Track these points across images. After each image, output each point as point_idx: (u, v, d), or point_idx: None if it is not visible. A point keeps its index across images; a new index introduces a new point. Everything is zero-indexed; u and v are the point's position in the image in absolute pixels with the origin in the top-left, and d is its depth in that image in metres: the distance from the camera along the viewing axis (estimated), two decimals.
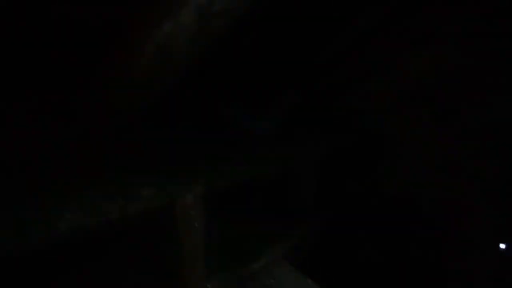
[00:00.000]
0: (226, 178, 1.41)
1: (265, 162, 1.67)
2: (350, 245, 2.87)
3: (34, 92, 1.31)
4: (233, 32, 1.14)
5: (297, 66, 2.07)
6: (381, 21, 2.20)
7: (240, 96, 2.21)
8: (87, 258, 1.41)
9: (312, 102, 2.65)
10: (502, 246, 2.41)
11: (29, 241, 0.93)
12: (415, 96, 2.59)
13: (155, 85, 1.29)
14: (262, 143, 2.02)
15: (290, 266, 1.60)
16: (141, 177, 1.26)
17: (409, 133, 2.66)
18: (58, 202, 1.03)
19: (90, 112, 1.39)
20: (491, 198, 2.44)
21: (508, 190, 2.39)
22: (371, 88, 2.73)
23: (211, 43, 1.13)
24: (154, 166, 1.42)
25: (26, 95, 1.31)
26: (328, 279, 2.57)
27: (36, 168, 1.26)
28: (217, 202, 1.74)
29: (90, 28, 1.16)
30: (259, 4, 1.35)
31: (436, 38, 2.45)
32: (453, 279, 2.61)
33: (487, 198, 2.45)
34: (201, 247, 1.33)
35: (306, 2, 1.88)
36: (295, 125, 2.38)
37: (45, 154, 1.32)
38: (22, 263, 1.31)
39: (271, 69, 1.97)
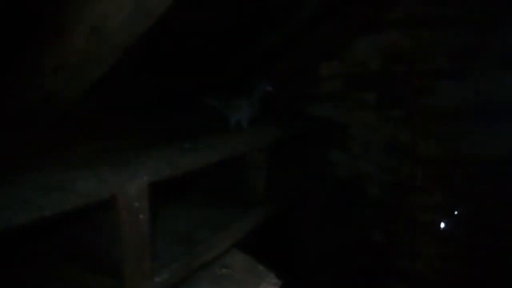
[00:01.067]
0: (173, 167, 1.35)
1: (215, 150, 1.62)
2: (302, 231, 2.92)
3: None
4: (173, 10, 1.07)
5: (242, 50, 2.02)
6: (325, 7, 2.20)
7: (196, 81, 2.14)
8: (20, 257, 1.29)
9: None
10: (442, 225, 2.54)
11: None
12: (363, 81, 2.64)
13: (92, 69, 1.20)
14: (214, 131, 1.97)
15: (243, 255, 1.57)
16: (80, 169, 1.16)
17: (358, 118, 2.71)
18: None
19: (20, 100, 1.27)
20: (433, 179, 2.57)
21: (449, 171, 2.52)
22: (320, 74, 2.75)
23: (150, 22, 1.05)
24: (95, 156, 1.33)
25: None
26: (280, 265, 2.60)
27: None
28: (165, 192, 1.67)
29: (14, 10, 1.04)
30: None
31: (381, 24, 2.50)
32: (400, 257, 2.73)
33: (430, 179, 2.57)
34: (147, 241, 1.26)
35: None
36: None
37: None
38: None
39: (217, 52, 1.91)
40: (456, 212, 2.50)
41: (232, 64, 2.10)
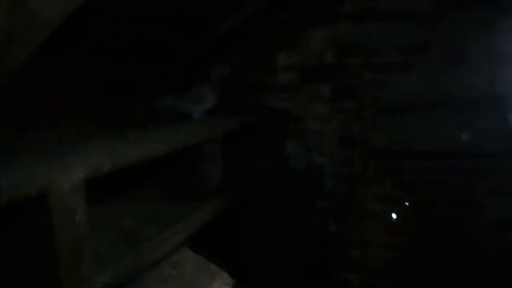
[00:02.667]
0: (115, 159, 1.23)
1: (163, 142, 1.51)
2: (257, 224, 2.88)
3: None
4: None
5: (193, 37, 1.92)
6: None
7: (143, 69, 2.00)
8: None
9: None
10: (392, 215, 2.61)
11: None
12: (318, 73, 2.63)
13: (17, 49, 1.05)
14: (166, 121, 1.86)
15: (193, 253, 1.49)
16: (3, 161, 1.02)
17: (312, 110, 2.70)
18: None
19: None
20: (384, 170, 2.62)
21: (398, 163, 2.58)
22: (276, 64, 2.71)
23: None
24: (23, 147, 1.18)
25: None
26: (234, 259, 2.54)
27: None
28: (106, 188, 1.55)
29: None
30: None
31: (334, 17, 2.49)
32: (351, 246, 2.77)
33: (380, 171, 2.62)
34: (85, 241, 1.14)
35: None
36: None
37: None
38: None
39: (165, 39, 1.79)
40: (406, 203, 2.57)
41: (183, 53, 1.99)
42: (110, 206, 1.79)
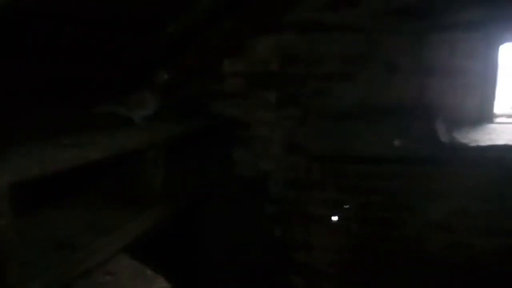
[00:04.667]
0: (45, 164, 1.20)
1: (99, 147, 1.49)
2: (205, 230, 2.88)
3: None
4: None
5: (137, 41, 1.91)
6: (227, 2, 2.19)
7: (84, 73, 1.95)
8: None
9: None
10: (335, 218, 2.70)
11: None
12: (264, 81, 2.68)
13: None
14: (103, 127, 1.82)
15: (130, 260, 1.47)
16: None
17: (259, 117, 2.74)
18: None
19: None
20: (328, 175, 2.71)
21: (341, 168, 2.68)
22: (223, 71, 2.73)
23: None
24: None
25: None
26: (177, 268, 2.52)
27: None
28: (37, 193, 1.50)
29: None
30: None
31: (279, 26, 2.56)
32: (297, 250, 2.83)
33: (324, 176, 2.71)
34: (12, 250, 1.10)
35: None
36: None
37: None
38: None
39: (107, 43, 1.77)
40: (347, 206, 2.67)
41: (125, 57, 1.96)
42: (47, 213, 1.73)
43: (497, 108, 2.45)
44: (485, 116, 2.31)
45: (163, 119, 2.16)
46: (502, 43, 2.24)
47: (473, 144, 2.10)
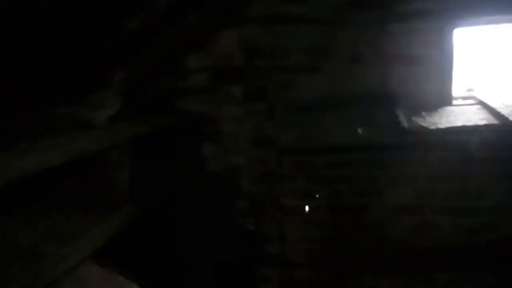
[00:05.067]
0: (1, 172, 1.14)
1: (59, 150, 1.43)
2: (177, 229, 2.85)
3: None
4: None
5: (96, 39, 1.84)
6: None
7: (38, 75, 1.86)
8: None
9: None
10: (306, 208, 2.73)
11: None
12: (229, 75, 2.66)
13: None
14: (62, 130, 1.75)
15: (98, 266, 1.43)
16: None
17: (226, 112, 2.72)
18: None
19: None
20: (297, 167, 2.74)
21: (310, 159, 2.71)
22: (188, 66, 2.69)
23: None
24: None
25: None
26: (150, 269, 2.48)
27: None
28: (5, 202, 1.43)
29: None
30: None
31: (242, 19, 2.54)
32: (270, 242, 2.84)
33: (294, 167, 2.73)
34: None
35: None
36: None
37: None
38: None
39: (60, 42, 1.69)
40: (317, 196, 2.70)
41: (83, 57, 1.89)
42: (8, 222, 1.65)
43: (455, 91, 2.56)
44: (443, 100, 2.41)
45: (127, 119, 2.10)
46: (455, 28, 2.33)
47: (433, 127, 2.19)
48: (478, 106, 2.50)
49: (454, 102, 2.53)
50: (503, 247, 2.46)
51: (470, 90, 2.77)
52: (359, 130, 2.45)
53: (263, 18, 2.55)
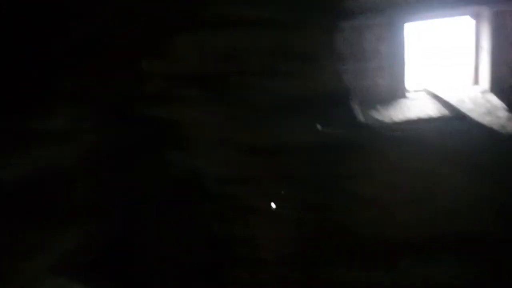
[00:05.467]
0: None
1: (10, 167, 1.38)
2: (144, 237, 2.79)
3: None
4: None
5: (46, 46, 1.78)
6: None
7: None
8: None
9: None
10: (271, 208, 2.73)
11: None
12: (187, 79, 2.63)
13: None
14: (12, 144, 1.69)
15: (60, 279, 1.39)
16: None
17: (187, 116, 2.68)
18: None
19: None
20: (262, 167, 2.74)
21: (273, 159, 2.72)
22: (145, 72, 2.63)
23: None
24: None
25: None
26: (119, 280, 2.43)
27: None
28: None
29: None
30: None
31: (198, 24, 2.52)
32: (241, 245, 2.84)
33: (258, 168, 2.73)
34: None
35: None
36: None
37: None
38: None
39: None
40: (282, 194, 2.72)
41: (31, 66, 1.82)
42: None
43: (408, 85, 2.66)
44: (397, 93, 2.50)
45: (83, 128, 2.05)
46: (405, 23, 2.41)
47: (387, 120, 2.26)
48: (430, 99, 2.60)
49: (408, 95, 2.62)
50: (461, 233, 2.56)
51: (423, 83, 2.89)
52: (318, 128, 2.48)
53: (218, 22, 2.53)
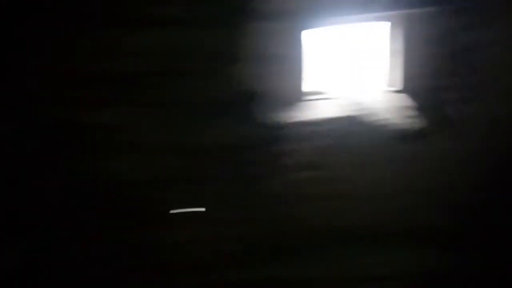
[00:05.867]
0: None
1: None
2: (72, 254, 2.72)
3: None
4: None
5: None
6: None
7: None
8: None
9: None
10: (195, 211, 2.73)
11: None
12: (122, 82, 2.58)
13: None
14: None
15: None
16: None
17: (125, 120, 2.64)
18: None
19: None
20: (186, 169, 2.72)
21: (199, 160, 2.72)
22: (81, 76, 2.55)
23: None
24: None
25: None
26: None
27: None
28: None
29: None
30: None
31: (110, 22, 2.47)
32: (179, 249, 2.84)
33: (181, 170, 2.71)
34: None
35: None
36: None
37: None
38: None
39: None
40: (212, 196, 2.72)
41: None
42: None
43: (308, 88, 2.80)
44: (297, 95, 2.60)
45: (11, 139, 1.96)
46: (303, 30, 2.53)
47: (289, 121, 2.34)
48: (329, 101, 2.74)
49: (308, 97, 2.75)
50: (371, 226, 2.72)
51: (322, 86, 3.00)
52: (235, 130, 2.51)
53: (131, 20, 2.47)
